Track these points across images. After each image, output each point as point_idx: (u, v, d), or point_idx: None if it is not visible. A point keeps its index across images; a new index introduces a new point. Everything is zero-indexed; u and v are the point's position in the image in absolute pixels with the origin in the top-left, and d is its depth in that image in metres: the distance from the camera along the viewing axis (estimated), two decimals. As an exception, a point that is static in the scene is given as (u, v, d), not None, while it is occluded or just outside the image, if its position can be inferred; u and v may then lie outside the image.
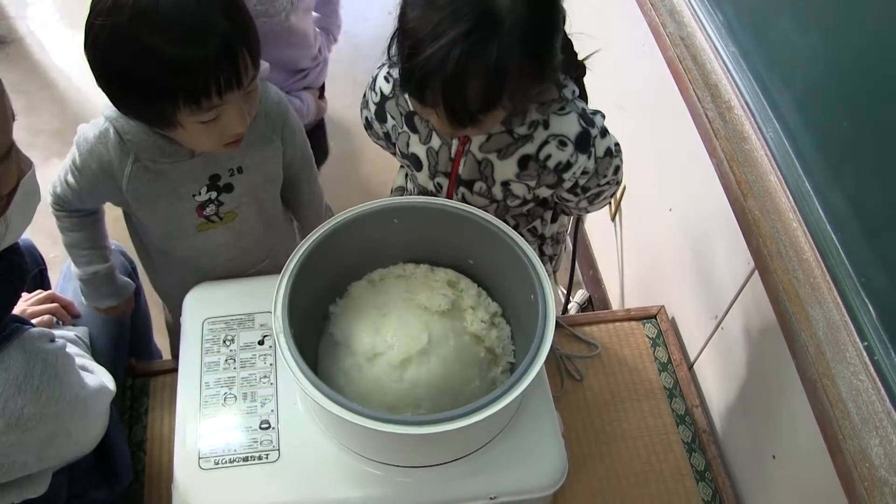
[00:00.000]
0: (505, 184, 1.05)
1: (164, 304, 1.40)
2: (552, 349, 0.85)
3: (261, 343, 1.00)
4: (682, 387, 1.41)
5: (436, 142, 1.06)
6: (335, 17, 1.79)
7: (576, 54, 1.00)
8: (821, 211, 0.97)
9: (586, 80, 1.06)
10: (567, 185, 1.05)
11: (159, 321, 1.51)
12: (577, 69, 1.03)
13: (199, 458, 0.91)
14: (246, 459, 0.91)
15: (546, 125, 1.00)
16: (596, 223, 1.98)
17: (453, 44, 0.80)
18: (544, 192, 1.07)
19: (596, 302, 1.97)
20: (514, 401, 0.81)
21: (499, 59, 0.82)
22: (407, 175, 1.23)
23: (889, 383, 0.86)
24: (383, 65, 1.07)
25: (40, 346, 0.76)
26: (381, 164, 2.11)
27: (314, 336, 1.01)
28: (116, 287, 1.18)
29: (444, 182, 1.09)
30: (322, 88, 1.84)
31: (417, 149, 1.08)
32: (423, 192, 1.14)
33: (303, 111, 1.71)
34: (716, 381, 1.36)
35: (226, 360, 0.99)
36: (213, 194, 1.07)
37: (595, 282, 1.97)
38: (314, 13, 1.70)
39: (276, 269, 0.92)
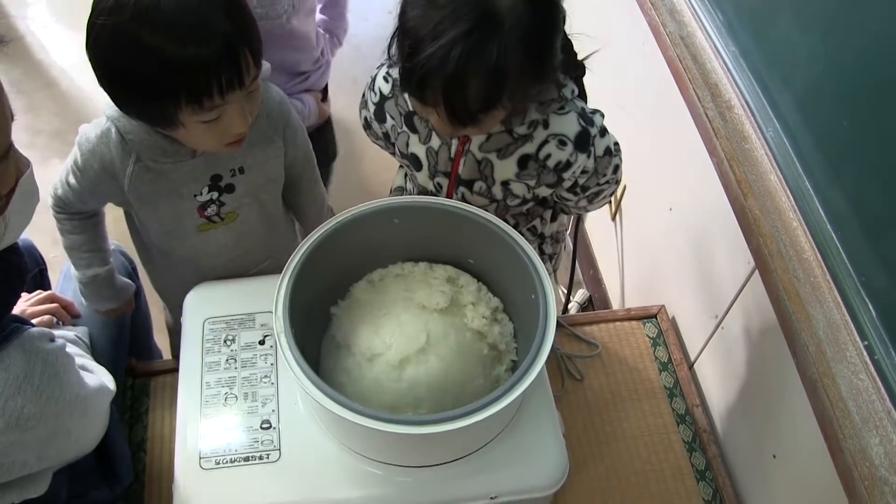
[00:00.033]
0: (505, 183, 1.05)
1: (164, 304, 1.40)
2: (553, 349, 0.85)
3: (262, 343, 1.01)
4: (683, 386, 1.41)
5: (435, 142, 1.06)
6: (342, 21, 1.76)
7: (575, 54, 1.01)
8: (821, 210, 0.97)
9: (586, 79, 1.06)
10: (567, 184, 1.05)
11: (159, 321, 1.51)
12: (576, 69, 1.03)
13: (200, 458, 0.91)
14: (247, 459, 0.91)
15: (546, 125, 1.00)
16: (596, 223, 1.98)
17: (453, 43, 0.81)
18: (544, 192, 1.07)
19: (596, 301, 1.97)
20: (514, 401, 0.81)
21: (499, 58, 0.82)
22: (406, 175, 1.23)
23: (889, 382, 0.86)
24: (382, 65, 1.07)
25: (40, 345, 0.76)
26: (381, 164, 2.11)
27: (315, 336, 1.01)
28: (116, 289, 1.18)
29: (444, 182, 1.09)
30: (325, 91, 1.83)
31: (417, 149, 1.08)
32: (423, 191, 1.14)
33: (304, 113, 1.70)
34: (716, 381, 1.36)
35: (226, 360, 0.99)
36: (215, 194, 1.07)
37: (595, 281, 1.97)
38: (321, 15, 1.69)
39: (277, 270, 0.92)
